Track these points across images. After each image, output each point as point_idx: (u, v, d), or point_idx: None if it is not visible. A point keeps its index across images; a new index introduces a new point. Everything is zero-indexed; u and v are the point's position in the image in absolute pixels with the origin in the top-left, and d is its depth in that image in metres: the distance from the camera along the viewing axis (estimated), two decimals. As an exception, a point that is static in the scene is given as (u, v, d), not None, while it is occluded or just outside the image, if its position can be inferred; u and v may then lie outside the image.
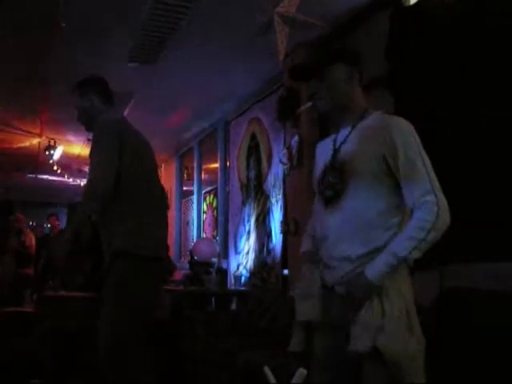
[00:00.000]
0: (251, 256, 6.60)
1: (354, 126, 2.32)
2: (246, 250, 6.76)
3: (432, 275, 3.35)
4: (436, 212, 2.07)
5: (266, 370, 2.09)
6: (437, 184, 2.14)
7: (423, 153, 2.18)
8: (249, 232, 6.70)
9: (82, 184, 12.37)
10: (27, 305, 9.38)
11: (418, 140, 2.21)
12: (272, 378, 2.08)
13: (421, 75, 3.90)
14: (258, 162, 6.64)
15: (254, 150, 6.79)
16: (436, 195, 2.10)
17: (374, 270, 2.11)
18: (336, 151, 2.33)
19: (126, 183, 3.08)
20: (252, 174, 6.77)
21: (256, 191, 6.64)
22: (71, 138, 9.32)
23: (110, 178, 3.00)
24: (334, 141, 2.39)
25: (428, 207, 2.08)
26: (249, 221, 6.71)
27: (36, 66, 6.22)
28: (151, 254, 3.11)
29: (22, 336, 5.10)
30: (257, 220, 6.55)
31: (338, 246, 2.24)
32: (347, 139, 2.31)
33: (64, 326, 4.82)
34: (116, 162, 3.04)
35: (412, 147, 2.17)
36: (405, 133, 2.21)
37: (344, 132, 2.35)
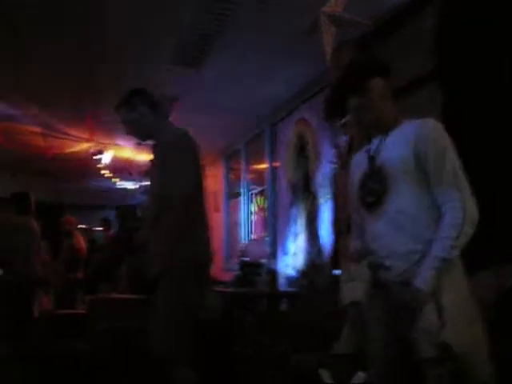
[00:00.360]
0: (300, 257, 6.57)
1: (387, 134, 2.43)
2: (293, 251, 6.73)
3: (490, 275, 3.31)
4: (462, 208, 2.19)
5: (323, 372, 2.08)
6: (462, 182, 2.26)
7: (451, 152, 2.29)
8: (297, 232, 6.66)
9: (131, 187, 12.53)
10: (79, 307, 9.54)
11: (447, 139, 2.32)
12: (328, 380, 2.08)
13: (472, 69, 3.82)
14: (306, 162, 6.61)
15: (301, 150, 6.76)
16: (461, 192, 2.22)
17: (422, 277, 2.20)
18: (372, 159, 2.44)
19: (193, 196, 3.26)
20: (300, 174, 6.74)
21: (304, 191, 6.61)
22: (120, 142, 9.44)
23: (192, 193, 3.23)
24: (368, 150, 2.49)
25: (454, 205, 2.21)
26: (297, 221, 6.68)
27: (85, 73, 6.32)
28: (203, 259, 3.20)
29: (75, 338, 5.16)
30: (305, 220, 6.51)
31: (389, 246, 2.32)
32: (382, 146, 2.43)
33: (116, 328, 4.87)
34: (196, 176, 3.31)
35: (439, 147, 2.29)
36: (432, 133, 2.32)
37: (377, 141, 2.47)
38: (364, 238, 2.49)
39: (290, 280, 6.69)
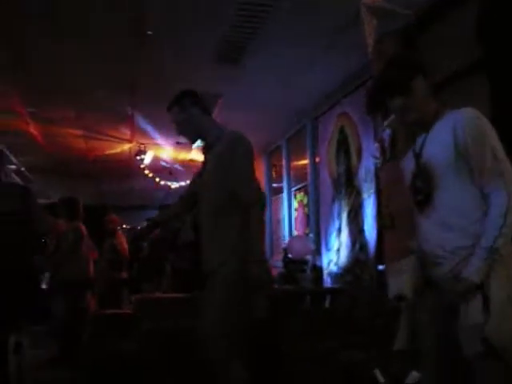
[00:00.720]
0: (343, 252, 6.50)
1: (428, 130, 2.43)
2: (336, 247, 6.66)
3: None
4: (506, 194, 2.18)
5: (377, 372, 2.04)
6: (505, 167, 2.24)
7: (490, 139, 2.28)
8: (339, 228, 6.60)
9: (172, 186, 12.58)
10: (125, 307, 9.61)
11: (486, 126, 2.31)
12: (382, 380, 2.05)
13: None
14: (348, 156, 6.54)
15: (342, 144, 6.69)
16: (504, 178, 2.21)
17: (471, 267, 2.19)
18: (417, 157, 2.45)
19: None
20: (341, 169, 6.67)
21: (346, 186, 6.54)
22: (161, 142, 9.49)
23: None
24: (414, 149, 2.50)
25: (497, 193, 2.20)
26: (339, 217, 6.61)
27: (125, 74, 6.36)
28: (256, 257, 3.19)
29: (122, 338, 5.18)
30: (348, 216, 6.44)
31: (439, 244, 2.31)
32: (425, 143, 2.43)
33: (162, 327, 4.88)
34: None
35: (477, 134, 2.27)
36: (470, 121, 2.30)
37: (421, 139, 2.47)
38: (418, 238, 2.47)
39: (334, 276, 6.62)
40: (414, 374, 2.01)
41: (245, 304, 3.29)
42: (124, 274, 9.33)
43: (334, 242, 6.76)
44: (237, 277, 3.20)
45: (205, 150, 3.57)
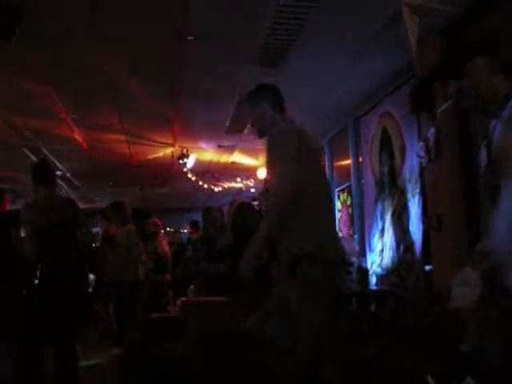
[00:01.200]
0: (387, 254, 6.43)
1: (497, 117, 2.28)
2: (380, 248, 6.59)
3: None
4: None
5: (430, 380, 2.01)
6: None
7: None
8: (382, 229, 6.53)
9: (215, 189, 12.65)
10: (171, 309, 9.67)
11: None
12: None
13: None
14: (391, 156, 6.46)
15: (386, 144, 6.62)
16: None
17: None
18: (488, 149, 2.32)
19: (307, 188, 3.16)
20: (385, 169, 6.60)
21: (390, 187, 6.47)
22: (203, 145, 9.54)
23: (293, 190, 3.10)
24: (487, 137, 2.37)
25: None
26: (382, 218, 6.54)
27: (168, 78, 6.40)
28: (335, 256, 3.24)
29: (169, 341, 5.21)
30: (392, 216, 6.37)
31: (504, 243, 2.19)
32: (494, 133, 2.29)
33: (211, 330, 4.89)
34: (297, 172, 3.12)
35: None
36: None
37: (491, 126, 2.33)
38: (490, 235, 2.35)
39: (378, 278, 6.56)
40: (469, 381, 1.96)
41: (326, 302, 3.22)
42: (168, 277, 9.40)
43: (377, 243, 6.69)
44: (315, 275, 3.15)
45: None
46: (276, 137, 3.35)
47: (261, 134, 3.58)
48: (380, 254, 6.59)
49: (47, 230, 4.49)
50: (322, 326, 3.16)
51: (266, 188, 3.62)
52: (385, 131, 6.66)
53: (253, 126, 3.64)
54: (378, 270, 6.61)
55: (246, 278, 3.22)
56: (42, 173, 4.74)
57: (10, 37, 3.97)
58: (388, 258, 6.40)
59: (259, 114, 3.50)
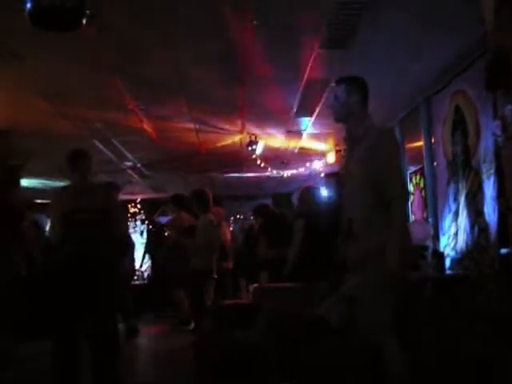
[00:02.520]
0: (462, 237, 6.22)
1: None
2: (453, 231, 6.38)
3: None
4: None
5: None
6: None
7: None
8: (456, 212, 6.31)
9: (284, 175, 12.60)
10: (243, 296, 9.72)
11: None
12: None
13: None
14: (464, 136, 6.20)
15: (458, 123, 6.38)
16: None
17: None
18: None
19: None
20: (458, 150, 6.36)
21: (464, 167, 6.24)
22: (271, 131, 9.49)
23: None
24: None
25: None
26: (456, 200, 6.30)
27: (234, 64, 6.38)
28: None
29: (243, 327, 5.21)
30: (466, 198, 6.15)
31: None
32: None
33: (284, 317, 4.85)
34: None
35: None
36: None
37: None
38: None
39: (452, 262, 6.35)
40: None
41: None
42: (229, 264, 9.44)
43: (451, 226, 6.48)
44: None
45: (348, 140, 3.74)
46: (383, 135, 3.57)
47: (339, 120, 3.74)
48: (454, 237, 6.39)
49: (74, 216, 4.65)
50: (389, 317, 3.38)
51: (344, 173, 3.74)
52: (457, 110, 6.42)
53: (333, 108, 3.75)
54: (452, 254, 6.40)
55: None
56: (73, 160, 4.92)
57: (76, 28, 4.00)
58: (462, 241, 6.20)
59: (346, 102, 3.64)
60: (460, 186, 6.26)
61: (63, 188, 5.06)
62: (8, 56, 5.80)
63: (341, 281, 3.77)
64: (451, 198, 6.48)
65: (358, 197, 3.51)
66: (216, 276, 7.82)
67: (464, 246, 6.15)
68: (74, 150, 5.08)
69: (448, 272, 6.27)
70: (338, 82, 3.78)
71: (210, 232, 7.60)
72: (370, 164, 3.44)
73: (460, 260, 6.21)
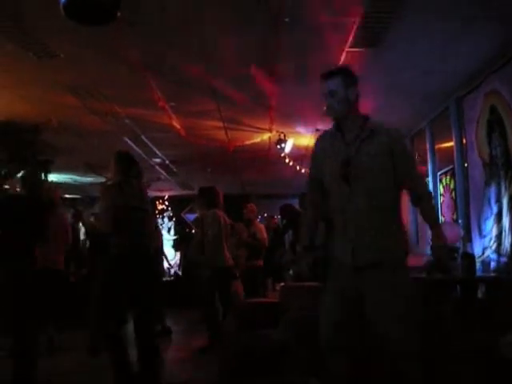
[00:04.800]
0: (508, 239, 6.06)
1: None
2: (495, 233, 6.24)
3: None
4: None
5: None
6: None
7: None
8: (498, 213, 6.18)
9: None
10: (269, 294, 9.69)
11: None
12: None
13: None
14: (504, 137, 6.08)
15: (496, 124, 6.25)
16: None
17: None
18: None
19: None
20: (498, 151, 6.20)
21: (506, 170, 6.07)
22: (300, 129, 9.46)
23: None
24: None
25: None
26: (498, 201, 6.18)
27: (264, 63, 6.35)
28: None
29: (269, 326, 5.19)
30: (510, 200, 5.99)
31: None
32: None
33: (311, 315, 4.82)
34: None
35: None
36: None
37: None
38: None
39: (490, 264, 6.24)
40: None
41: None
42: (260, 263, 9.42)
43: (492, 228, 6.35)
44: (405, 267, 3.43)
45: (342, 134, 3.48)
46: (400, 136, 3.61)
47: (339, 118, 3.48)
48: (495, 238, 6.25)
49: (123, 211, 4.88)
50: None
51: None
52: (493, 110, 6.31)
53: (328, 103, 3.45)
54: (493, 256, 6.26)
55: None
56: (123, 161, 5.15)
57: (110, 21, 4.04)
58: (508, 243, 6.04)
59: (348, 96, 3.40)
60: (502, 187, 6.11)
61: (114, 184, 5.17)
62: (43, 54, 5.88)
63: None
64: (492, 200, 6.34)
65: (379, 193, 3.38)
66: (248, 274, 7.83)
67: (509, 248, 6.01)
68: (125, 151, 5.46)
69: (485, 274, 6.18)
70: (329, 76, 3.43)
71: (215, 227, 7.58)
72: (390, 159, 3.36)
73: (507, 263, 6.05)
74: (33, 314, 5.24)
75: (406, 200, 9.30)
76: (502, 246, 6.10)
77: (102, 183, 5.81)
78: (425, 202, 3.43)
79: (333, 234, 3.54)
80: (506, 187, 6.03)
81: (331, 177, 3.45)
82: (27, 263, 5.18)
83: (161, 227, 15.15)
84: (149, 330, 5.14)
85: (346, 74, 3.46)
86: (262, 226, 9.91)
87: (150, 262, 5.25)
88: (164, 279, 13.52)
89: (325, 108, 3.47)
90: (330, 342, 3.42)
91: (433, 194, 3.72)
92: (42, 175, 9.49)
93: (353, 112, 3.43)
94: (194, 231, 8.59)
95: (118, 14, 3.95)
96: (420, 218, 9.43)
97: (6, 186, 7.18)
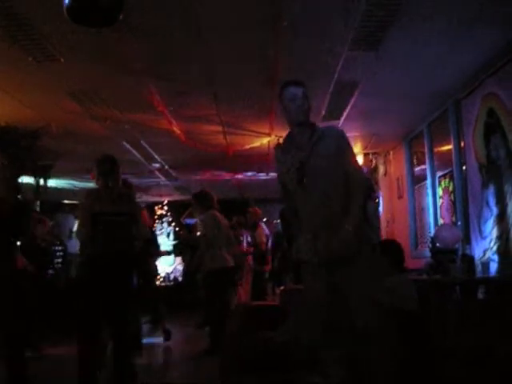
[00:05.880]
0: (507, 240, 6.04)
1: None
2: (496, 234, 6.24)
3: None
4: None
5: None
6: None
7: None
8: (499, 215, 6.17)
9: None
10: (270, 298, 9.70)
11: None
12: None
13: None
14: (505, 138, 6.06)
15: (497, 127, 6.23)
16: None
17: None
18: None
19: None
20: (499, 153, 6.19)
21: (507, 170, 6.05)
22: (298, 133, 9.45)
23: None
24: None
25: None
26: (498, 203, 6.18)
27: (263, 67, 6.39)
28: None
29: (270, 329, 5.20)
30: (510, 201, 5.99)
31: None
32: None
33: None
34: None
35: None
36: None
37: None
38: None
39: (489, 266, 6.25)
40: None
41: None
42: (267, 267, 9.42)
43: (492, 229, 6.36)
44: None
45: (296, 143, 3.85)
46: (344, 135, 3.90)
47: (299, 123, 3.85)
48: (496, 240, 6.24)
49: (102, 218, 4.93)
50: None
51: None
52: (491, 113, 6.32)
53: (295, 109, 3.83)
54: (495, 258, 6.25)
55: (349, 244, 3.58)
56: (103, 165, 5.18)
57: (113, 23, 4.09)
58: (508, 244, 6.02)
59: (308, 106, 3.84)
60: (506, 188, 6.08)
61: (92, 190, 5.27)
62: (43, 59, 5.89)
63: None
64: (492, 202, 6.35)
65: (332, 190, 3.70)
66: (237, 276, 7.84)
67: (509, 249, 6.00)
68: (105, 155, 5.37)
69: (488, 276, 6.18)
70: (298, 84, 3.91)
71: (214, 228, 7.61)
72: (339, 159, 3.70)
73: (510, 263, 6.04)
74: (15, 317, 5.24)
75: (404, 205, 9.33)
76: (504, 248, 6.08)
77: (85, 191, 5.82)
78: (355, 193, 3.69)
79: (301, 234, 3.87)
80: (506, 189, 5.99)
81: (291, 181, 3.81)
82: (6, 264, 5.17)
83: (160, 232, 15.18)
84: (124, 351, 5.10)
85: (304, 87, 3.87)
86: (262, 230, 9.92)
87: (127, 267, 5.24)
88: (163, 284, 13.55)
89: (287, 113, 3.88)
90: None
91: (372, 187, 3.97)
92: (42, 180, 9.51)
93: (306, 120, 3.83)
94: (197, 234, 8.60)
95: (121, 16, 4.00)
96: (419, 221, 9.52)
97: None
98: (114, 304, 5.00)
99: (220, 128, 8.98)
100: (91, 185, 12.71)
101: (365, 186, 3.90)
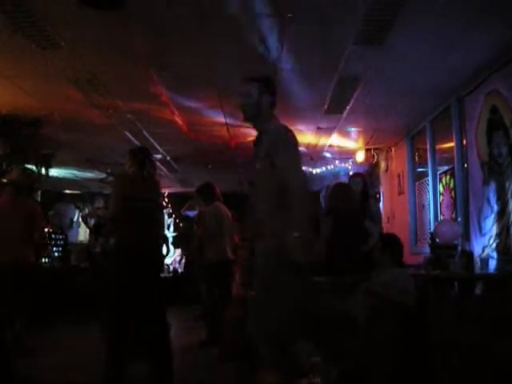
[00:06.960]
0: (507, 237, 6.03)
1: None
2: (496, 231, 6.25)
3: None
4: None
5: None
6: None
7: None
8: (499, 212, 6.17)
9: (313, 172, 12.54)
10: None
11: None
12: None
13: None
14: (507, 136, 6.05)
15: (499, 124, 6.22)
16: None
17: None
18: None
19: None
20: (502, 150, 6.19)
21: (509, 167, 6.04)
22: (301, 127, 9.45)
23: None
24: None
25: None
26: (499, 200, 6.17)
27: (266, 60, 6.36)
28: None
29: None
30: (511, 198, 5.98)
31: None
32: None
33: (310, 312, 4.84)
34: None
35: None
36: None
37: None
38: None
39: (489, 262, 6.25)
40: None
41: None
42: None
43: (492, 226, 6.37)
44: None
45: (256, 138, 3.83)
46: (281, 134, 3.65)
47: (248, 119, 3.84)
48: (496, 237, 6.23)
49: (134, 204, 4.97)
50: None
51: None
52: (495, 110, 6.31)
53: (242, 106, 3.80)
54: (494, 255, 6.25)
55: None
56: (136, 155, 5.31)
57: (120, 5, 4.12)
58: (508, 241, 6.01)
59: (257, 101, 3.71)
60: (507, 186, 6.08)
61: (126, 176, 5.33)
62: (47, 45, 5.87)
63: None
64: (492, 199, 6.34)
65: (261, 198, 3.64)
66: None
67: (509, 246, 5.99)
68: (140, 146, 6.00)
69: (487, 272, 6.18)
70: (250, 80, 3.78)
71: (218, 220, 7.64)
72: (274, 160, 3.53)
73: (506, 260, 6.03)
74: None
75: (404, 201, 9.32)
76: (503, 245, 6.07)
77: (116, 174, 5.99)
78: (292, 205, 3.40)
79: None
80: (507, 186, 5.99)
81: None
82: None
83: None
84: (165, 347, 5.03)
85: (264, 82, 3.76)
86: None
87: (157, 257, 5.38)
88: (163, 275, 13.55)
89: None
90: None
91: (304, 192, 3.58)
92: (43, 169, 9.50)
93: (262, 118, 3.73)
94: (195, 227, 8.61)
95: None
96: (419, 218, 9.52)
97: (4, 180, 7.15)
98: (149, 311, 4.92)
99: (222, 120, 8.96)
100: (92, 175, 12.76)
101: (303, 194, 3.47)
